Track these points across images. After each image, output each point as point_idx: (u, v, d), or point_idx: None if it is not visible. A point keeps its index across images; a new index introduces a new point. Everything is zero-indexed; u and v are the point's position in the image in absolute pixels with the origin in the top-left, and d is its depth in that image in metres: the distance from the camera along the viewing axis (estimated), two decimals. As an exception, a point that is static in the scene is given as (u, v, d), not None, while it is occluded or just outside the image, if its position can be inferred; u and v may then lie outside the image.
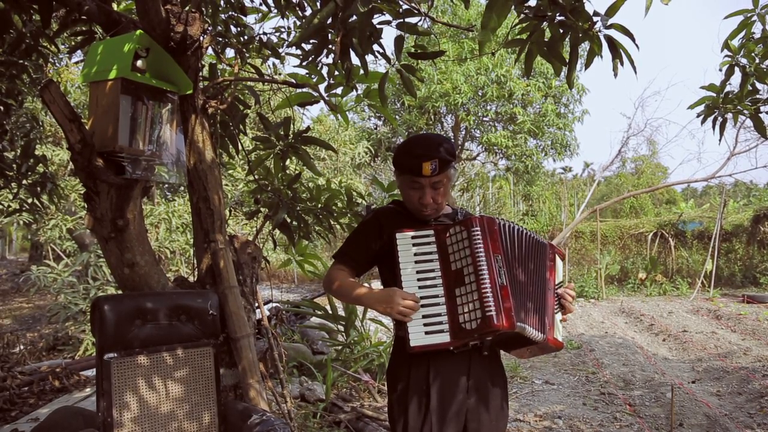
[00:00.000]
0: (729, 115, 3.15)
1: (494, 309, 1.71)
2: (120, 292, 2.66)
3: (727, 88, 3.10)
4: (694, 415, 4.57)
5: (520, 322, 1.78)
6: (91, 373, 5.11)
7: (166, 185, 9.53)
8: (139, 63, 2.31)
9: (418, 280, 1.83)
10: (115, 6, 2.94)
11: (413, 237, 1.86)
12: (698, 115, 3.25)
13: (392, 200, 2.12)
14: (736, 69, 2.99)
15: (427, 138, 1.94)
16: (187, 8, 2.50)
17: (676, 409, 4.67)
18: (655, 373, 6.02)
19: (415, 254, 1.85)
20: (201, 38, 2.57)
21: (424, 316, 1.79)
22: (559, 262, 2.05)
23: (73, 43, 3.45)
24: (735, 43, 2.94)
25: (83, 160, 2.26)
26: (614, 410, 4.85)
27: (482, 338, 1.81)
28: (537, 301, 1.90)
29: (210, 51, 3.10)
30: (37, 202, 3.84)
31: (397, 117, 14.94)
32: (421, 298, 1.80)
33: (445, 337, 1.77)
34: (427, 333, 1.77)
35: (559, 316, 1.99)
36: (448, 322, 1.78)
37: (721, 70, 3.04)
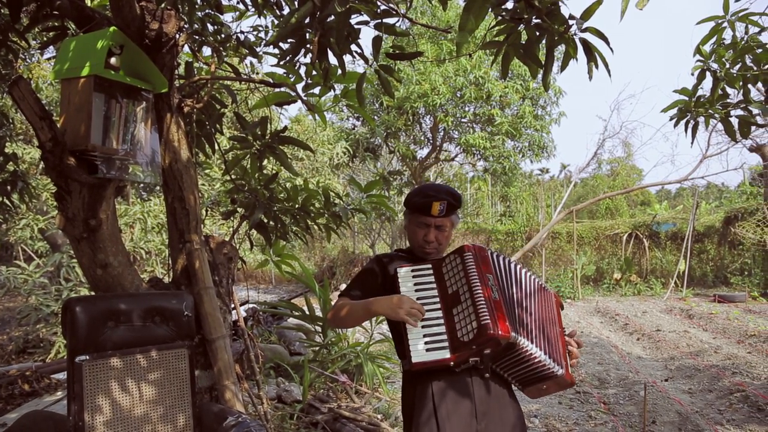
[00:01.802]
0: (701, 119, 3.21)
1: (489, 318, 1.78)
2: (93, 293, 2.61)
3: (699, 92, 3.16)
4: (667, 413, 4.65)
5: (515, 333, 1.82)
6: (63, 376, 5.01)
7: (141, 185, 9.40)
8: (112, 60, 2.27)
9: None
10: (88, 2, 2.88)
11: (413, 270, 1.99)
12: (671, 119, 3.30)
13: (396, 249, 2.26)
14: (708, 74, 3.04)
15: (438, 185, 2.10)
16: (162, 5, 2.46)
17: (649, 406, 4.75)
18: (629, 371, 6.11)
19: (415, 284, 1.96)
20: (177, 36, 2.54)
21: (425, 335, 1.86)
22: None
23: (44, 38, 3.38)
24: (706, 48, 2.99)
25: (54, 158, 2.21)
26: (589, 409, 4.91)
27: (480, 350, 1.83)
28: (541, 328, 1.95)
29: (186, 49, 3.07)
30: (8, 202, 3.76)
31: (375, 117, 14.94)
32: (422, 320, 1.88)
33: (445, 353, 1.83)
34: (428, 350, 1.85)
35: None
36: (448, 339, 1.85)
37: (693, 74, 3.10)
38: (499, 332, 1.76)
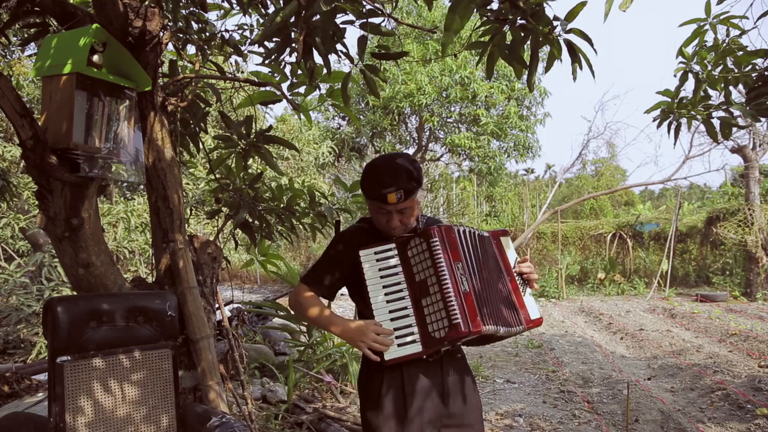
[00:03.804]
0: (683, 120, 3.24)
1: (460, 316, 1.76)
2: (75, 293, 2.58)
3: (681, 94, 3.19)
4: (650, 411, 4.70)
5: (487, 325, 1.82)
6: (44, 377, 4.94)
7: (125, 184, 9.31)
8: (95, 58, 2.24)
9: (386, 294, 1.87)
10: (70, -2, 2.85)
11: (376, 253, 1.91)
12: (654, 120, 3.33)
13: (360, 218, 2.12)
14: (690, 75, 3.08)
15: (392, 165, 1.87)
16: (146, 3, 2.44)
17: (632, 405, 4.79)
18: (613, 370, 6.16)
19: (380, 269, 1.89)
20: (160, 34, 2.52)
21: (395, 329, 1.83)
22: (504, 241, 2.08)
23: (25, 35, 3.33)
24: (689, 50, 3.03)
25: (35, 156, 2.18)
26: (573, 408, 4.94)
27: (453, 344, 1.86)
28: (503, 296, 1.96)
29: (170, 47, 3.04)
30: (-13, 200, 3.70)
31: (361, 117, 14.93)
32: (390, 311, 1.85)
33: (417, 347, 1.82)
34: (399, 345, 1.82)
35: (529, 293, 2.05)
36: (419, 332, 1.82)
37: (675, 76, 3.13)
38: (471, 329, 1.76)
